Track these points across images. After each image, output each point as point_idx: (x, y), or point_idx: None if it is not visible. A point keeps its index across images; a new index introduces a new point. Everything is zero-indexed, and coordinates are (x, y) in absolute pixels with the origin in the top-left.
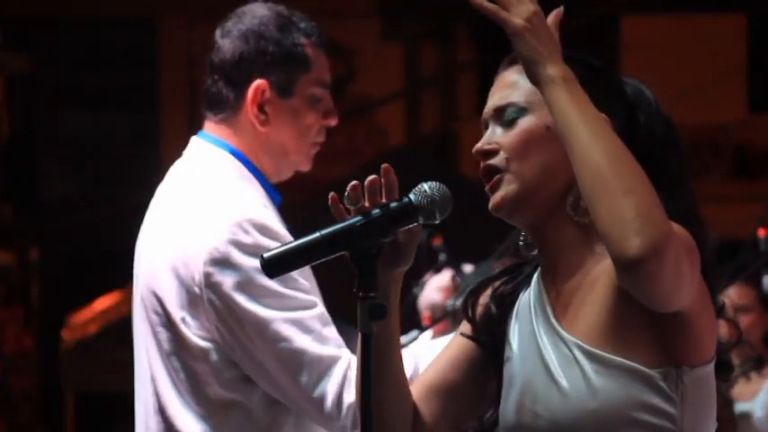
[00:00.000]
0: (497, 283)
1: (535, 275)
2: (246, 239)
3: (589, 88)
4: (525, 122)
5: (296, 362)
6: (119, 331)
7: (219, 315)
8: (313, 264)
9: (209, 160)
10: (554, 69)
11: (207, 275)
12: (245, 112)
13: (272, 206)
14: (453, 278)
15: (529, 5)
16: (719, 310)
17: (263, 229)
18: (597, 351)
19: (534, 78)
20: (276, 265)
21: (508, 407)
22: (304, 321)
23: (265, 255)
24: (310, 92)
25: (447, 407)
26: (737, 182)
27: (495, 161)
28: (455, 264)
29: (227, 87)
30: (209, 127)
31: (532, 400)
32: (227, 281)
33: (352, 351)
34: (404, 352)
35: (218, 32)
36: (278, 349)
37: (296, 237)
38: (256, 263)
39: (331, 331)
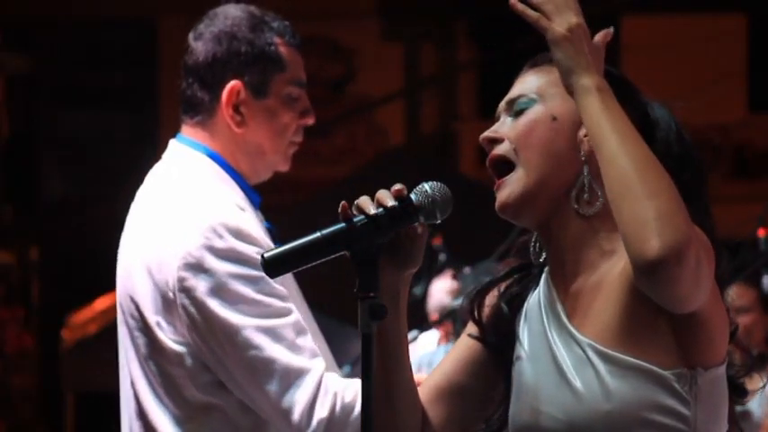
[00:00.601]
0: (506, 284)
1: (543, 275)
2: (220, 244)
3: None
4: (533, 112)
5: (265, 370)
6: None
7: (192, 320)
8: (313, 264)
9: (187, 163)
10: (588, 79)
11: (180, 280)
12: (221, 113)
13: (250, 207)
14: (453, 278)
15: (572, 17)
16: (731, 335)
17: (238, 234)
18: (611, 352)
19: (569, 87)
20: (276, 265)
21: (518, 408)
22: (276, 329)
23: (265, 254)
24: (286, 91)
25: (455, 409)
26: (737, 182)
27: (502, 150)
28: (455, 264)
29: (202, 90)
30: (186, 130)
31: (544, 401)
32: (200, 286)
33: (346, 350)
34: None
35: (190, 35)
36: (247, 357)
37: (291, 237)
38: (230, 267)
39: (305, 340)
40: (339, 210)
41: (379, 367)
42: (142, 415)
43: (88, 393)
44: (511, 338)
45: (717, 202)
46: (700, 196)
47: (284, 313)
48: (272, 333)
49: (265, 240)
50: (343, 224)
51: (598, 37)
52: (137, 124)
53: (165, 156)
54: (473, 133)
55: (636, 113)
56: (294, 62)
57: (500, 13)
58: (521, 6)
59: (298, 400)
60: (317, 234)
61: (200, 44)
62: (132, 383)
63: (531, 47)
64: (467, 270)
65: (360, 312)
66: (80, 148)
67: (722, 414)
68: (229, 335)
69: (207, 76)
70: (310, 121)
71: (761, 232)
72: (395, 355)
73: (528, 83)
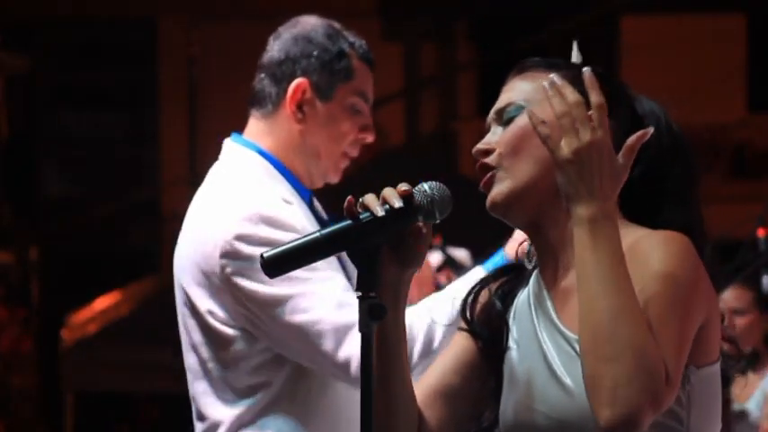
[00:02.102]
0: (498, 283)
1: (533, 275)
2: (254, 232)
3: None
4: (521, 119)
5: (316, 330)
6: (119, 331)
7: (240, 303)
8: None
9: (237, 160)
10: (584, 209)
11: (222, 267)
12: (284, 108)
13: (300, 201)
14: (449, 279)
15: (586, 135)
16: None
17: (272, 222)
18: None
19: (568, 212)
20: (276, 265)
21: (509, 407)
22: (319, 293)
23: (265, 254)
24: (350, 101)
25: (451, 411)
26: (737, 182)
27: (489, 159)
28: (454, 264)
29: (271, 84)
30: (249, 124)
31: (535, 398)
32: (239, 272)
33: None
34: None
35: (271, 38)
36: (297, 322)
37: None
38: (263, 251)
39: (352, 297)
40: (344, 205)
41: (378, 366)
42: (194, 399)
43: (88, 393)
44: (502, 336)
45: (717, 202)
46: (690, 191)
47: (325, 279)
48: (317, 296)
49: (306, 230)
50: (348, 221)
51: (632, 139)
52: (136, 124)
53: (220, 156)
54: (473, 133)
55: (622, 106)
56: (363, 76)
57: (500, 13)
58: (535, 119)
59: (353, 351)
60: (316, 234)
61: (278, 43)
62: (188, 370)
63: (530, 47)
64: (457, 253)
65: (359, 312)
66: (80, 148)
67: (716, 412)
68: (276, 306)
69: (277, 72)
70: (369, 138)
71: (761, 232)
72: (394, 354)
73: (515, 90)
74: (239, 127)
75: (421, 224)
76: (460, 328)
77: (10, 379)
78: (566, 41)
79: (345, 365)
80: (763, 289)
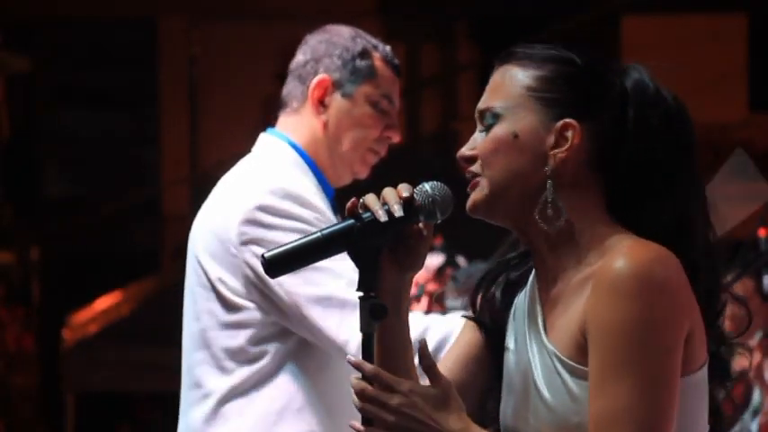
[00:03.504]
0: (504, 275)
1: (530, 277)
2: (277, 204)
3: (567, 91)
4: (497, 129)
5: (324, 306)
6: (119, 331)
7: (255, 271)
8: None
9: (268, 149)
10: None
11: (241, 235)
12: (308, 103)
13: (322, 196)
14: (452, 279)
15: (388, 414)
16: (719, 313)
17: (296, 198)
18: (575, 364)
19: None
20: (277, 265)
21: (508, 409)
22: (334, 269)
23: (266, 254)
24: (373, 99)
25: None
26: None
27: (474, 168)
28: (454, 264)
29: (297, 85)
30: (279, 122)
31: (527, 406)
32: (257, 240)
33: None
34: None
35: (299, 46)
36: (307, 294)
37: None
38: (286, 223)
39: None
40: (347, 206)
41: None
42: (191, 369)
43: (88, 393)
44: (503, 331)
45: None
46: (678, 175)
47: (341, 258)
48: (330, 272)
49: (327, 213)
50: (350, 221)
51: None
52: (136, 124)
53: (254, 148)
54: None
55: (599, 100)
56: (386, 77)
57: (500, 13)
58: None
59: (353, 332)
60: (318, 234)
61: (304, 48)
62: (187, 338)
63: None
64: (462, 261)
65: (360, 312)
66: (80, 148)
67: (700, 418)
68: (289, 277)
69: (302, 73)
70: (395, 137)
71: (761, 232)
72: (402, 359)
73: (497, 91)
74: (239, 127)
75: (422, 225)
76: (468, 317)
77: (10, 379)
78: (566, 41)
79: (344, 344)
80: (764, 289)
